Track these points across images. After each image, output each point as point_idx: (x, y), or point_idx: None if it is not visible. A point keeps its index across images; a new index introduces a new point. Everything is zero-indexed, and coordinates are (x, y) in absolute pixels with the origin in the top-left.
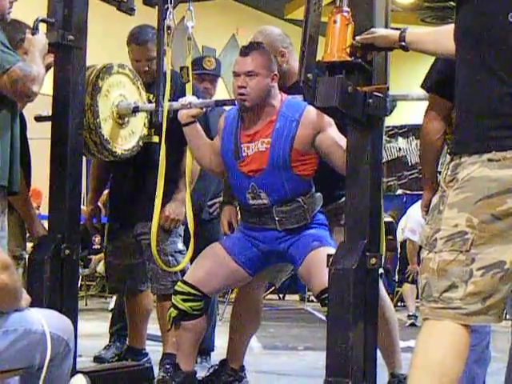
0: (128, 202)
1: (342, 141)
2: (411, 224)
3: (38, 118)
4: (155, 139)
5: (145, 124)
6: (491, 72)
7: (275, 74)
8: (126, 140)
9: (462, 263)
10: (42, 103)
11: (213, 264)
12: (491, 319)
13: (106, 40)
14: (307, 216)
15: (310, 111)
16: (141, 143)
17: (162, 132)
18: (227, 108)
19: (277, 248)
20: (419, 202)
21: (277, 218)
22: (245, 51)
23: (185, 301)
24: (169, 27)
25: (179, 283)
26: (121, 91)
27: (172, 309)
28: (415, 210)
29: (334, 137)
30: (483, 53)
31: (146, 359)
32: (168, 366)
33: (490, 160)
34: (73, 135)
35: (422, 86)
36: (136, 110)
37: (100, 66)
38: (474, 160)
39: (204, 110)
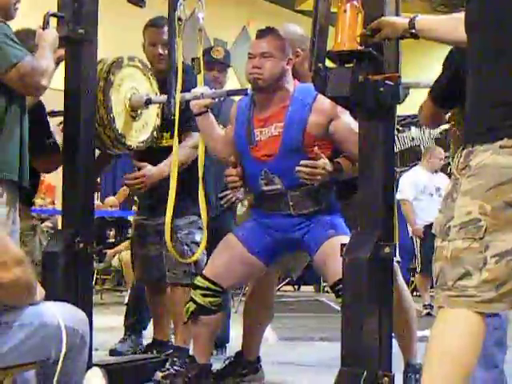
0: (155, 195)
1: (356, 127)
2: (400, 187)
3: (51, 113)
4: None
5: (158, 114)
6: (503, 60)
7: (290, 59)
8: (140, 132)
9: (476, 251)
10: (53, 98)
11: (230, 258)
12: (506, 306)
13: (117, 33)
14: (321, 200)
15: (323, 97)
16: (155, 134)
17: (175, 124)
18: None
19: (291, 236)
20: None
21: (291, 203)
22: (261, 34)
23: (204, 296)
24: (180, 19)
25: (199, 278)
26: (132, 84)
27: (190, 303)
28: (405, 175)
29: (348, 123)
30: (493, 40)
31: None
32: (176, 360)
33: (501, 147)
34: (85, 129)
35: (429, 93)
36: (148, 102)
37: (110, 61)
38: (486, 147)
39: (216, 100)
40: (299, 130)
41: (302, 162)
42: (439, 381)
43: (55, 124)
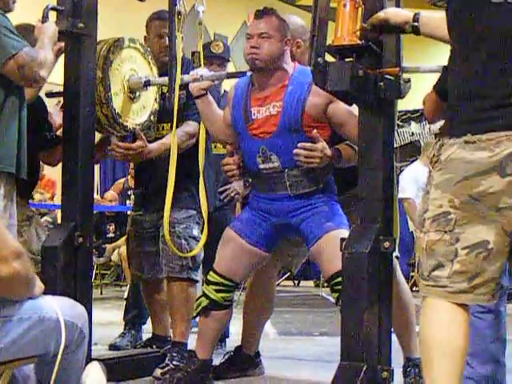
0: (151, 190)
1: (355, 110)
2: (401, 185)
3: (50, 95)
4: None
5: (156, 99)
6: (472, 58)
7: (288, 39)
8: (138, 115)
9: (447, 243)
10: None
11: (232, 252)
12: (480, 299)
13: (117, 28)
14: (319, 180)
15: None
16: (152, 118)
17: (174, 111)
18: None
19: (288, 221)
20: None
21: (288, 183)
22: (259, 15)
23: (217, 291)
24: (179, 13)
25: (211, 273)
26: (132, 65)
27: (203, 298)
28: (405, 172)
29: (346, 106)
30: (465, 40)
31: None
32: (175, 355)
33: (466, 142)
34: (84, 123)
35: (434, 86)
36: (147, 83)
37: (111, 40)
38: (453, 141)
39: (215, 82)
40: (298, 110)
41: (300, 144)
42: (436, 374)
43: (54, 104)
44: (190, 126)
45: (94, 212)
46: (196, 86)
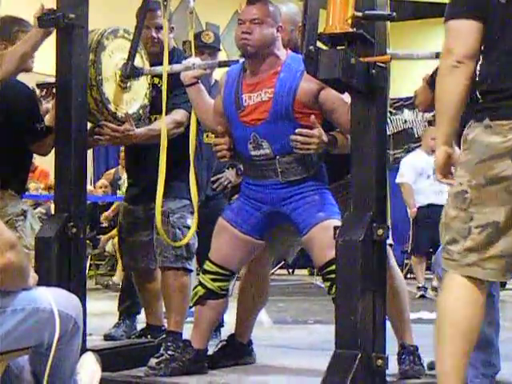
0: (143, 180)
1: (346, 97)
2: (400, 170)
3: (40, 85)
4: None
5: (146, 94)
6: (492, 53)
7: (280, 26)
8: (127, 105)
9: (462, 220)
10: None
11: (226, 241)
12: (490, 273)
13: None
14: (310, 168)
15: None
16: (141, 112)
17: (163, 100)
18: None
19: (279, 209)
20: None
21: (279, 169)
22: (251, 1)
23: (214, 280)
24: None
25: (207, 262)
26: (124, 55)
27: (199, 287)
28: (406, 157)
29: (338, 93)
30: (487, 33)
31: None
32: (169, 344)
33: (486, 126)
34: (76, 114)
35: (427, 81)
36: (139, 73)
37: (106, 28)
38: (477, 124)
39: (207, 71)
40: (290, 96)
41: (297, 131)
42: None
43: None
44: (178, 115)
45: (88, 202)
46: (188, 74)
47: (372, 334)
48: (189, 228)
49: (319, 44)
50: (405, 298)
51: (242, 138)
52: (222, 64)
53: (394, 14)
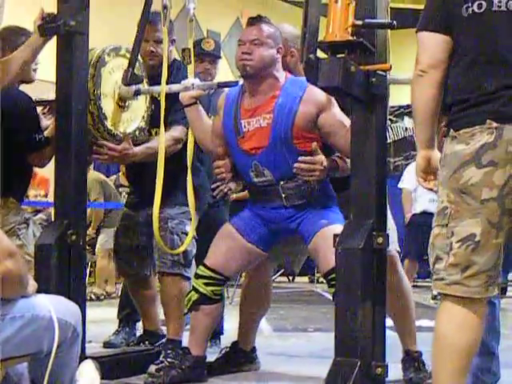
0: (144, 186)
1: (345, 120)
2: (403, 175)
3: (38, 103)
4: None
5: (144, 117)
6: (460, 63)
7: (280, 47)
8: (124, 124)
9: (444, 236)
10: (45, 90)
11: (229, 247)
12: (472, 291)
13: (112, 23)
14: (314, 190)
15: (313, 89)
16: (137, 133)
17: (161, 115)
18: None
19: (287, 227)
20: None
21: (283, 195)
22: (252, 22)
23: (207, 285)
24: (165, 7)
25: (200, 267)
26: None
27: (193, 292)
28: (410, 165)
29: (336, 116)
30: (457, 44)
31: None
32: (169, 352)
33: (452, 138)
34: (77, 120)
35: None
36: (138, 92)
37: (98, 55)
38: (446, 139)
39: (206, 91)
40: (288, 122)
41: (300, 159)
42: (445, 373)
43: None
44: (176, 131)
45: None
46: (186, 95)
47: (371, 342)
48: (187, 234)
49: (319, 52)
50: (410, 305)
51: (243, 166)
52: (221, 85)
53: (395, 22)
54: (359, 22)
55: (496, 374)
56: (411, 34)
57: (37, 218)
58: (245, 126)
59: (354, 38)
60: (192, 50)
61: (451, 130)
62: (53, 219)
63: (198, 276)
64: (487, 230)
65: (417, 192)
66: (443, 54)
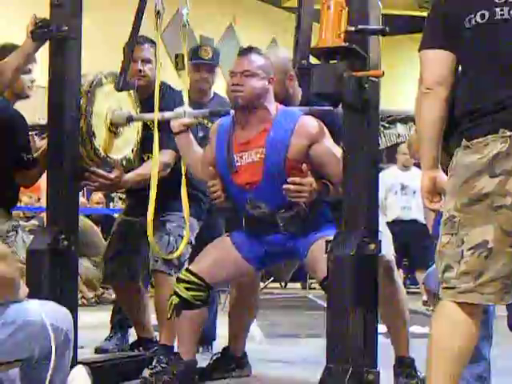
0: (142, 194)
1: (337, 151)
2: None
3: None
4: None
5: (132, 150)
6: (469, 74)
7: (272, 78)
8: (120, 150)
9: (454, 245)
10: (36, 95)
11: (220, 256)
12: (487, 298)
13: (104, 28)
14: (310, 217)
15: (305, 121)
16: (124, 163)
17: (155, 137)
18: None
19: (283, 247)
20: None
21: (280, 224)
22: (243, 52)
23: (188, 289)
24: (158, 12)
25: (183, 271)
26: (119, 105)
27: (174, 296)
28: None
29: (328, 147)
30: (463, 57)
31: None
32: (162, 357)
33: (464, 148)
34: (69, 126)
35: None
36: (130, 119)
37: (96, 75)
38: (458, 149)
39: (198, 120)
40: (280, 156)
41: (290, 180)
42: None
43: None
44: (166, 156)
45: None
46: (177, 122)
47: (363, 349)
48: (182, 238)
49: (312, 58)
50: (405, 312)
51: (237, 199)
52: (213, 113)
53: (387, 28)
54: (352, 28)
55: (487, 380)
56: (403, 40)
57: (29, 224)
58: (237, 161)
59: (347, 44)
60: (186, 55)
61: (463, 140)
62: (45, 225)
63: (179, 280)
64: (500, 238)
65: (388, 200)
66: (448, 70)
